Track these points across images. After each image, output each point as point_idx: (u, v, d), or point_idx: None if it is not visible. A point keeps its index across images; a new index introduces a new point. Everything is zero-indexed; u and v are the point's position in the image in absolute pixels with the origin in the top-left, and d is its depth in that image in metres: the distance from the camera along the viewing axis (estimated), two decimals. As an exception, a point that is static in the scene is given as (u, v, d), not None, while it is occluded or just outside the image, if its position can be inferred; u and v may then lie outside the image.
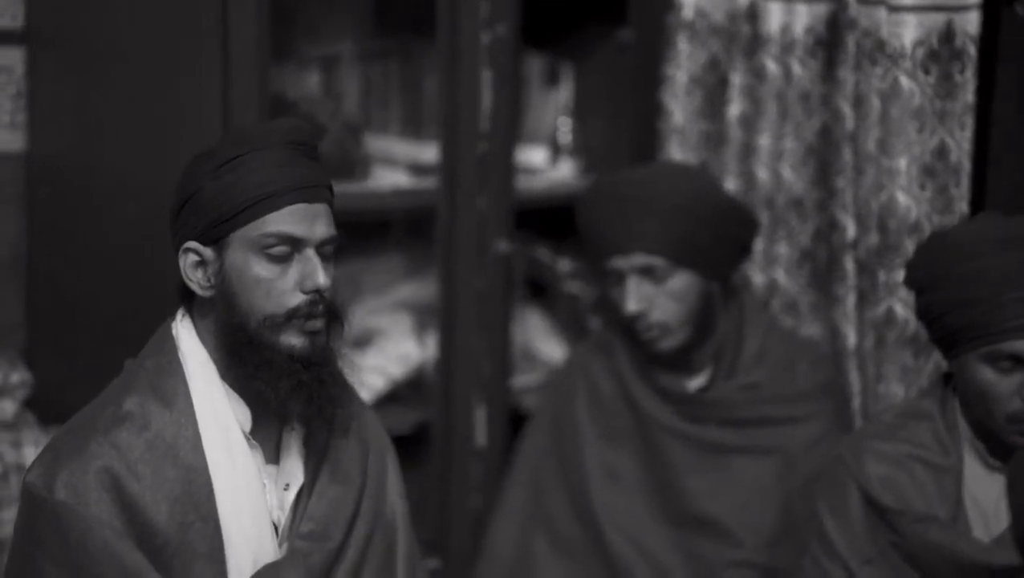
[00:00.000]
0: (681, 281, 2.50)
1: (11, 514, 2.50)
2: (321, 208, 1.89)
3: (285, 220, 1.85)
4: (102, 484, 1.81)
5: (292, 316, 1.86)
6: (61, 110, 2.73)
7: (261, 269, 1.85)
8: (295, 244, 1.86)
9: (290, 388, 1.87)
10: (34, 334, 2.83)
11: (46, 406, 2.71)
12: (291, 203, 1.85)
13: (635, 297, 2.49)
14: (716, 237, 2.52)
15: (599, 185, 2.63)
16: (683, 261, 2.49)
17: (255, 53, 2.49)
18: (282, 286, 1.85)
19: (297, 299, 1.86)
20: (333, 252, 1.91)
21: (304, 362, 1.87)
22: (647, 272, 2.49)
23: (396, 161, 2.98)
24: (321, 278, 1.85)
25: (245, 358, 1.87)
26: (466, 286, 2.88)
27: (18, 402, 2.69)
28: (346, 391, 2.00)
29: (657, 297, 2.49)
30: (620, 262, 2.50)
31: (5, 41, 2.78)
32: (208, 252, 1.87)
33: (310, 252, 1.87)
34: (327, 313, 1.89)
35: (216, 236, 1.86)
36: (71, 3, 2.70)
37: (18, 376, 2.71)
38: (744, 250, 2.59)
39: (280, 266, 1.85)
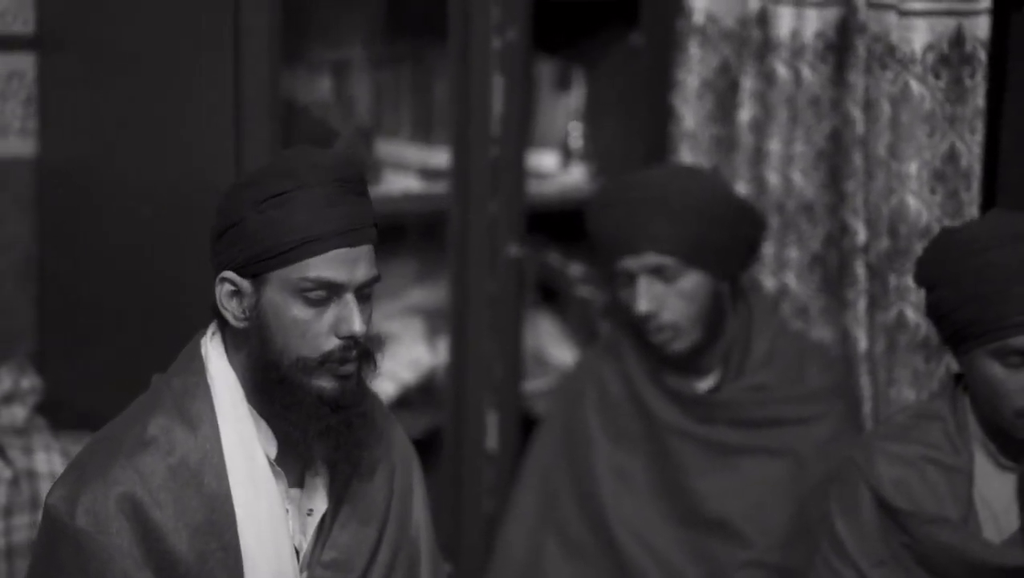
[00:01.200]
0: (691, 281, 2.50)
1: (22, 520, 2.50)
2: (363, 250, 1.86)
3: (326, 266, 1.82)
4: (123, 511, 1.80)
5: (325, 360, 1.84)
6: (72, 115, 2.74)
7: (298, 311, 1.83)
8: (334, 289, 1.83)
9: (317, 432, 1.86)
10: (45, 339, 2.84)
11: (57, 411, 2.71)
12: (333, 248, 1.82)
13: (646, 297, 2.49)
14: (726, 237, 2.52)
15: (609, 187, 2.64)
16: (694, 260, 2.49)
17: (266, 57, 2.50)
18: (317, 329, 1.83)
19: (331, 343, 1.84)
20: (372, 292, 1.89)
21: (333, 405, 1.85)
22: (658, 272, 2.49)
23: (407, 166, 2.98)
24: (356, 325, 1.83)
25: (275, 396, 1.86)
26: (477, 291, 2.88)
27: (29, 407, 2.69)
28: (374, 431, 1.97)
29: (668, 297, 2.49)
30: (631, 262, 2.50)
31: (16, 46, 2.78)
32: (246, 284, 1.85)
33: (348, 297, 1.84)
34: (361, 356, 1.87)
35: (255, 271, 1.84)
36: (82, 8, 2.71)
37: (28, 381, 2.71)
38: (753, 250, 2.59)
39: (317, 309, 1.83)
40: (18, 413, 2.66)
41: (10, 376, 2.70)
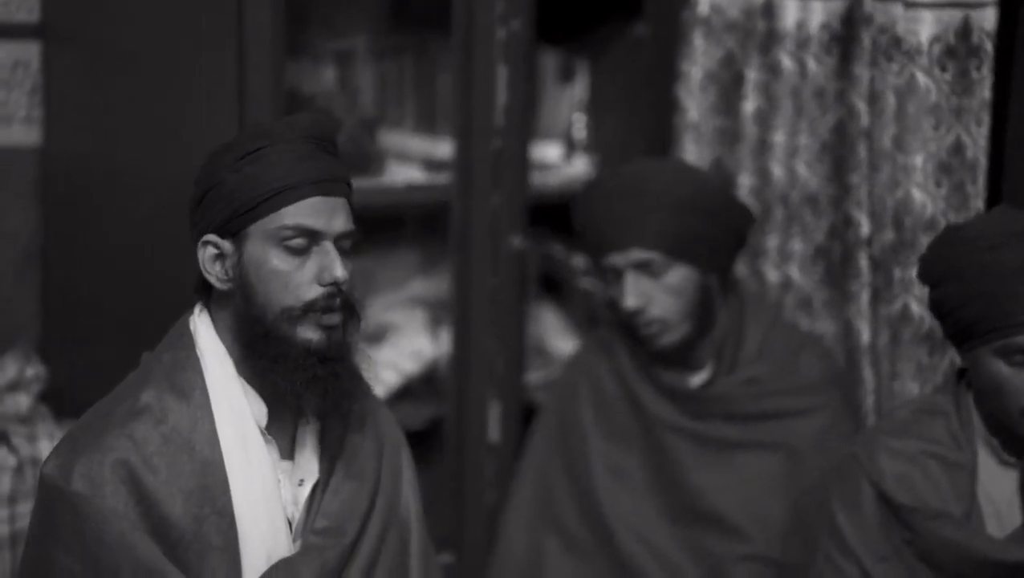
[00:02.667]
0: (678, 275, 2.49)
1: (26, 508, 2.51)
2: (339, 202, 1.90)
3: (303, 212, 1.86)
4: (118, 476, 1.82)
5: (309, 309, 1.86)
6: (76, 105, 2.73)
7: (279, 261, 1.86)
8: (313, 237, 1.86)
9: (305, 382, 1.87)
10: (49, 328, 2.84)
11: (60, 400, 2.72)
12: (309, 196, 1.86)
13: (633, 293, 2.48)
14: (711, 229, 2.51)
15: (592, 185, 2.64)
16: (679, 255, 2.49)
17: (270, 48, 2.49)
18: (299, 278, 1.86)
19: (314, 292, 1.86)
20: (351, 246, 1.91)
21: (320, 356, 1.87)
22: (644, 267, 2.49)
23: (410, 157, 2.98)
24: (339, 271, 1.86)
25: (261, 351, 1.88)
26: (480, 282, 2.88)
27: (33, 396, 2.70)
28: (361, 386, 2.00)
29: (655, 292, 2.49)
30: (617, 259, 2.50)
31: (21, 35, 2.78)
32: (227, 245, 1.88)
33: (328, 245, 1.87)
34: (344, 307, 1.89)
35: (235, 229, 1.87)
36: (87, -2, 2.70)
37: (33, 370, 2.72)
38: (740, 242, 2.58)
39: (298, 259, 1.86)
40: (22, 401, 2.67)
41: (15, 364, 2.70)
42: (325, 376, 1.88)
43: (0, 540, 2.51)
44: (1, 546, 2.51)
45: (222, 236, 1.88)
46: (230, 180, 1.86)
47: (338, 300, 1.88)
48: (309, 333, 1.87)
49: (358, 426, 2.01)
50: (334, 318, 1.88)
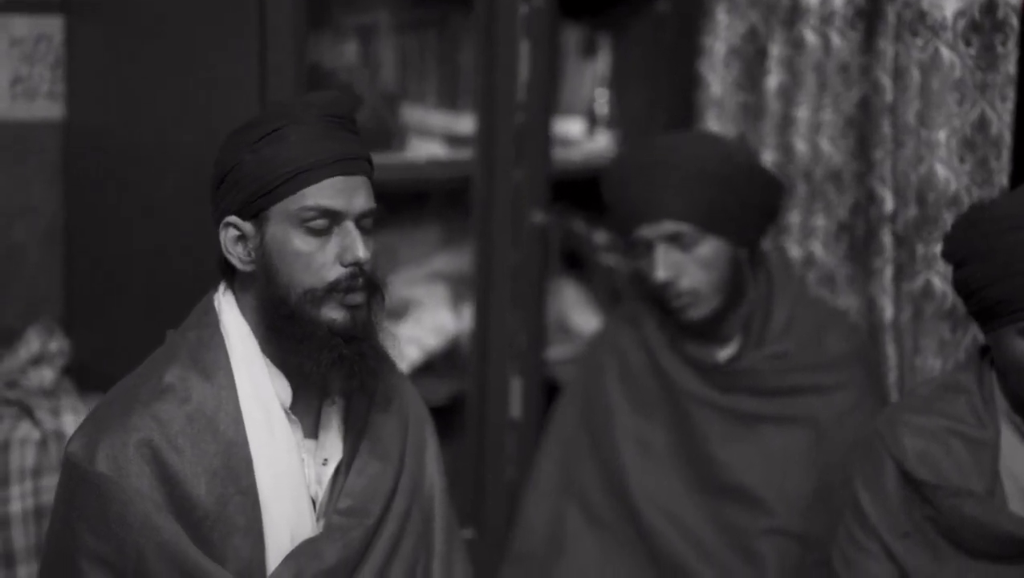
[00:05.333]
0: (709, 247, 2.49)
1: (51, 481, 2.52)
2: (360, 180, 1.89)
3: (324, 193, 1.85)
4: (143, 457, 1.82)
5: (332, 289, 1.86)
6: (99, 79, 2.74)
7: (301, 243, 1.86)
8: (334, 217, 1.86)
9: (331, 362, 1.87)
10: (72, 302, 2.85)
11: (84, 374, 2.73)
12: (330, 176, 1.86)
13: (664, 265, 2.48)
14: (743, 201, 2.50)
15: (623, 157, 2.62)
16: (711, 227, 2.48)
17: (292, 22, 2.49)
18: (321, 259, 1.86)
19: (337, 272, 1.86)
20: (373, 224, 1.91)
21: (345, 336, 1.87)
22: (675, 239, 2.48)
23: (432, 132, 2.98)
24: (360, 251, 1.86)
25: (286, 332, 1.88)
26: (502, 257, 2.88)
27: (57, 370, 2.71)
28: (387, 363, 2.00)
29: (686, 264, 2.48)
30: (647, 231, 2.49)
31: (44, 10, 2.78)
32: (248, 226, 1.88)
33: (349, 225, 1.87)
34: (367, 286, 1.89)
35: (256, 210, 1.87)
36: (109, -28, 2.70)
37: (56, 344, 2.73)
38: (771, 215, 2.57)
39: (319, 240, 1.86)
40: (46, 375, 2.68)
41: (38, 338, 2.72)
42: (350, 356, 1.88)
43: (25, 513, 2.52)
44: (26, 519, 2.52)
45: (243, 218, 1.88)
46: (249, 161, 1.86)
47: (361, 280, 1.88)
48: (333, 313, 1.87)
49: (383, 405, 2.01)
50: (357, 297, 1.88)
